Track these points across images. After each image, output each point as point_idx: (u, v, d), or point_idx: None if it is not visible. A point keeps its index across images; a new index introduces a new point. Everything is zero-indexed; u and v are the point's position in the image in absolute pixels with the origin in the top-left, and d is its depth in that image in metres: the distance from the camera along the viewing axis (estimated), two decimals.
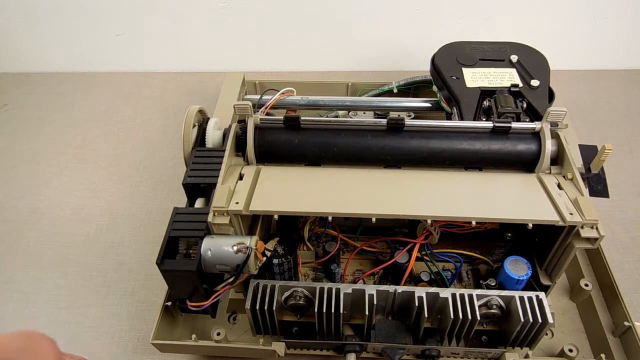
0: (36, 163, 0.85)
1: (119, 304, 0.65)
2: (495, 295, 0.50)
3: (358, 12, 0.94)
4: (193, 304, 0.49)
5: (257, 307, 0.49)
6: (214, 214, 0.48)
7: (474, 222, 0.48)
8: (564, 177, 0.52)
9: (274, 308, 0.49)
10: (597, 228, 0.46)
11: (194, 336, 0.53)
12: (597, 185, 0.56)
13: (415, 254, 0.56)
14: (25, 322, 0.63)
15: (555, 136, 0.54)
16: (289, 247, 0.55)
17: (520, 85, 0.65)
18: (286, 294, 0.52)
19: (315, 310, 0.49)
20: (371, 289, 0.50)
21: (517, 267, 0.54)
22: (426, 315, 0.50)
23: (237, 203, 0.48)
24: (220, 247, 0.46)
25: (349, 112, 0.80)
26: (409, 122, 0.55)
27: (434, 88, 0.73)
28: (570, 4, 0.93)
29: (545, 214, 0.47)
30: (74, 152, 0.87)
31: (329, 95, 0.79)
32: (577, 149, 0.57)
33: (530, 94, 0.63)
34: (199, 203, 0.53)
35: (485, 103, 0.64)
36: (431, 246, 0.59)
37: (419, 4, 0.93)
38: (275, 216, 0.49)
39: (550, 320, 0.48)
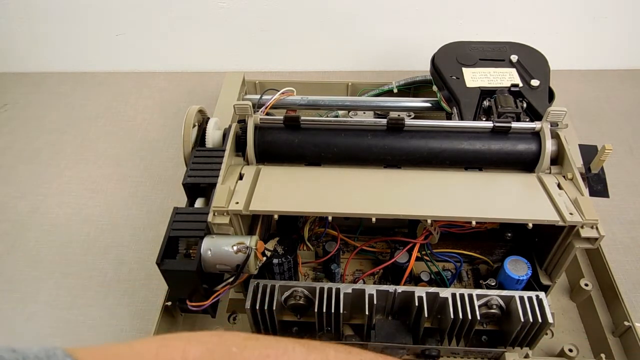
0: (36, 163, 0.85)
1: (119, 304, 0.65)
2: (495, 295, 0.50)
3: (358, 12, 0.94)
4: (193, 304, 0.49)
5: (257, 307, 0.49)
6: (214, 214, 0.48)
7: (474, 222, 0.48)
8: (564, 177, 0.52)
9: (274, 308, 0.49)
10: (597, 228, 0.46)
11: None
12: (597, 185, 0.56)
13: (415, 254, 0.56)
14: (26, 322, 0.63)
15: (555, 136, 0.54)
16: (289, 247, 0.55)
17: (520, 85, 0.65)
18: (286, 294, 0.51)
19: (315, 310, 0.49)
20: (371, 289, 0.50)
21: (517, 267, 0.54)
22: (426, 315, 0.50)
23: (237, 203, 0.48)
24: (220, 247, 0.46)
25: (349, 112, 0.80)
26: (409, 122, 0.55)
27: (434, 88, 0.73)
28: (570, 4, 0.93)
29: (545, 214, 0.47)
30: (74, 152, 0.87)
31: (329, 95, 0.78)
32: (577, 149, 0.57)
33: (530, 93, 0.63)
34: (199, 203, 0.53)
35: (485, 103, 0.64)
36: (431, 246, 0.59)
37: (419, 4, 0.93)
38: (275, 216, 0.49)
39: (550, 320, 0.48)
